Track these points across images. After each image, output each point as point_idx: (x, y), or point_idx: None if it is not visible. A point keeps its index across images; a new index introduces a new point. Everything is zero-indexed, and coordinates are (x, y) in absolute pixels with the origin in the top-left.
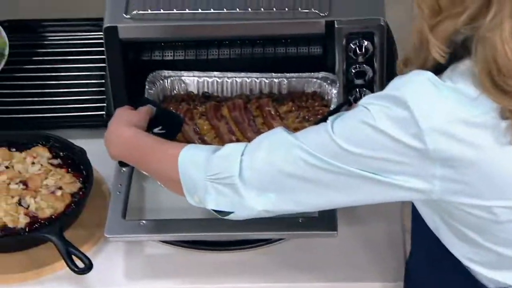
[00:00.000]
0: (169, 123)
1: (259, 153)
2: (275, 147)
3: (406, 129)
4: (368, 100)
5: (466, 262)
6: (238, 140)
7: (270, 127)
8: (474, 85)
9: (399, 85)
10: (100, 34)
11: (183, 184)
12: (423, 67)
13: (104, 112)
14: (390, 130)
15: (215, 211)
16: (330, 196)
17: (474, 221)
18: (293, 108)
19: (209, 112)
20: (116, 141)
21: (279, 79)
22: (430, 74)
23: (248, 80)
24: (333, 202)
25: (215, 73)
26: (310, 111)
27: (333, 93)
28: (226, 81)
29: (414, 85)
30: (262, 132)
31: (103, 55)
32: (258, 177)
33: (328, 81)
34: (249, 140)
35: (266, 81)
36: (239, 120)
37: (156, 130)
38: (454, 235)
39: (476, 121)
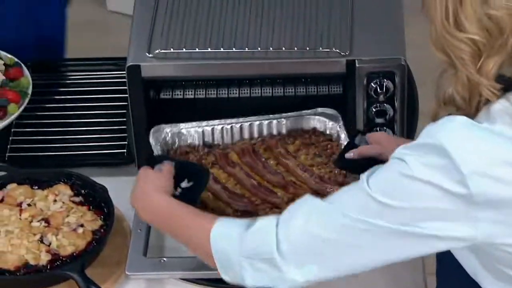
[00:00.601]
0: (194, 174)
1: (295, 223)
2: (310, 215)
3: (448, 176)
4: (403, 151)
5: None
6: (259, 184)
7: (285, 166)
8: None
9: (433, 133)
10: (121, 73)
11: (216, 260)
12: (473, 114)
13: (125, 150)
14: (431, 178)
15: None
16: (372, 257)
17: None
18: (301, 146)
19: (219, 161)
20: (148, 207)
21: (278, 120)
22: (464, 118)
23: (247, 124)
24: (375, 262)
25: (213, 121)
26: (318, 147)
27: (333, 127)
28: (226, 128)
29: (449, 131)
30: (279, 173)
31: (125, 93)
32: (296, 249)
33: (327, 116)
34: (269, 182)
35: (265, 122)
36: (252, 164)
37: (184, 184)
38: (493, 275)
39: None
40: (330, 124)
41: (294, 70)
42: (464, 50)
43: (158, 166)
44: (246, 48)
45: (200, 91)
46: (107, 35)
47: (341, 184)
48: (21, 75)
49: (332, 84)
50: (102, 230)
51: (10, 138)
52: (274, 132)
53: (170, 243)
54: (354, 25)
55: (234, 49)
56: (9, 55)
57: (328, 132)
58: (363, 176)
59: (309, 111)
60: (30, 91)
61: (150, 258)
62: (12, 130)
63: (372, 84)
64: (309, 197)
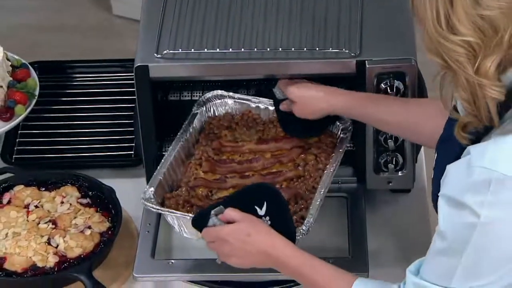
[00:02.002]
0: (257, 198)
1: None
2: None
3: None
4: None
5: None
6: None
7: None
8: None
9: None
10: (129, 74)
11: None
12: (486, 117)
13: (132, 152)
14: None
15: None
16: None
17: None
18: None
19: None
20: (269, 263)
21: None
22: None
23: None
24: None
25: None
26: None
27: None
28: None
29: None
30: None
31: (132, 95)
32: None
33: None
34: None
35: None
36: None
37: (260, 212)
38: None
39: None
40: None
41: (303, 71)
42: (460, 53)
43: (213, 219)
44: (255, 49)
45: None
46: (113, 40)
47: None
48: (28, 76)
49: (341, 85)
50: (109, 232)
51: (17, 140)
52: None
53: (178, 244)
54: (364, 25)
55: (242, 49)
56: (16, 56)
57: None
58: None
59: None
60: (37, 92)
61: (158, 260)
62: (19, 132)
63: (382, 85)
64: None
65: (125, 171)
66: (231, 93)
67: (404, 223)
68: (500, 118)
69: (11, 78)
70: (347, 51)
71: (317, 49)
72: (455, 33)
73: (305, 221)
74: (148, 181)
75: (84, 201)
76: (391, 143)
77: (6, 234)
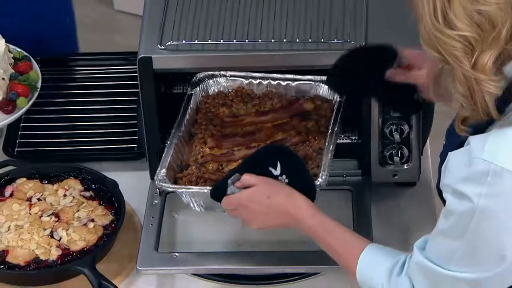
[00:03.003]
0: (270, 159)
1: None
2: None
3: None
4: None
5: None
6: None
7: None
8: None
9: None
10: (132, 67)
11: (361, 285)
12: (484, 111)
13: (135, 145)
14: None
15: None
16: None
17: None
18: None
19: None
20: (286, 223)
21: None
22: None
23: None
24: None
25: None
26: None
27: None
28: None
29: None
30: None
31: (135, 88)
32: None
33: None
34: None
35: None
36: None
37: (275, 173)
38: None
39: None
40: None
41: (308, 62)
42: (456, 47)
43: (231, 188)
44: (259, 40)
45: None
46: (114, 35)
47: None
48: (30, 68)
49: None
50: (113, 225)
51: (19, 132)
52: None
53: (181, 237)
54: (369, 16)
55: (247, 40)
56: (18, 49)
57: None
58: None
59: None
60: (39, 85)
61: (162, 253)
62: (21, 124)
63: None
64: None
65: (128, 164)
66: (222, 72)
67: (409, 216)
68: (501, 111)
69: (13, 71)
70: (352, 42)
71: (322, 40)
72: (452, 27)
73: (320, 175)
74: (151, 173)
75: (87, 194)
76: (396, 136)
77: (9, 227)
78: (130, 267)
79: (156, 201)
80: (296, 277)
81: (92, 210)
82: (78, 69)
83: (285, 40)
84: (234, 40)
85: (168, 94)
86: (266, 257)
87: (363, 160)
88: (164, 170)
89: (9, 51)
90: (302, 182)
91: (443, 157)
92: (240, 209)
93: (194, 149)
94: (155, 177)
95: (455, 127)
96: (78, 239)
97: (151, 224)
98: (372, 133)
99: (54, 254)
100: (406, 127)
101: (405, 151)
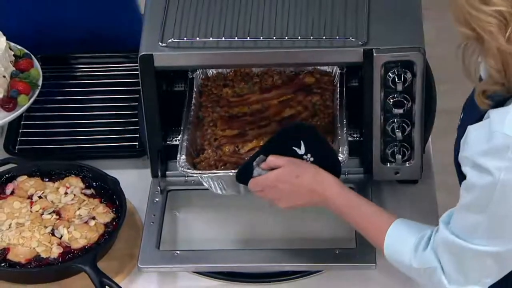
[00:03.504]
0: (293, 139)
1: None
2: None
3: None
4: None
5: None
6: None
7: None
8: None
9: None
10: (133, 65)
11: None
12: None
13: (137, 143)
14: None
15: None
16: None
17: None
18: None
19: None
20: (315, 202)
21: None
22: None
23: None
24: None
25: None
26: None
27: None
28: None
29: None
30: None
31: (136, 86)
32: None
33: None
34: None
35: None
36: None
37: (300, 152)
38: None
39: None
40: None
41: (310, 60)
42: (492, 23)
43: (257, 170)
44: (261, 37)
45: None
46: None
47: None
48: (31, 66)
49: (349, 74)
50: (114, 223)
51: (20, 130)
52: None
53: (183, 235)
54: (371, 13)
55: (248, 38)
56: (18, 46)
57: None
58: None
59: None
60: (40, 82)
61: (163, 251)
62: (22, 122)
63: (390, 73)
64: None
65: (130, 162)
66: None
67: (411, 214)
68: None
69: (14, 68)
70: (354, 39)
71: (324, 37)
72: (487, 3)
73: (340, 150)
74: (152, 171)
75: (88, 192)
76: (398, 133)
77: (10, 225)
78: (131, 265)
79: (157, 199)
80: (298, 275)
81: (93, 208)
82: (79, 66)
83: (286, 37)
84: (236, 38)
85: (169, 92)
86: (268, 255)
87: (365, 158)
88: (184, 157)
89: (10, 49)
90: (327, 160)
91: (460, 130)
92: (267, 190)
93: (206, 132)
94: (177, 165)
95: (475, 100)
96: (79, 237)
97: (152, 222)
98: (374, 130)
99: (55, 252)
100: (408, 125)
101: (407, 149)
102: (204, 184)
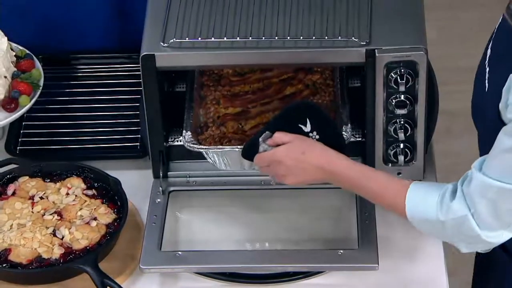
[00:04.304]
0: (300, 114)
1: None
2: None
3: None
4: None
5: None
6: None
7: None
8: None
9: None
10: (134, 66)
11: (413, 222)
12: None
13: (138, 144)
14: None
15: None
16: None
17: None
18: None
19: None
20: (325, 178)
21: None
22: None
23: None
24: None
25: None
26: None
27: None
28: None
29: None
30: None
31: (138, 86)
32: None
33: None
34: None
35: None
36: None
37: (306, 129)
38: None
39: None
40: None
41: (312, 60)
42: None
43: (263, 146)
44: (263, 37)
45: None
46: None
47: None
48: (32, 67)
49: (351, 74)
50: (115, 224)
51: (22, 131)
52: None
53: (185, 236)
54: (373, 13)
55: (250, 38)
56: (20, 47)
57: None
58: None
59: None
60: (41, 83)
61: (165, 251)
62: (24, 123)
63: (392, 74)
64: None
65: (131, 163)
66: None
67: None
68: None
69: (15, 69)
70: (356, 39)
71: (326, 37)
72: None
73: (344, 129)
74: (154, 172)
75: (90, 192)
76: (401, 134)
77: (11, 226)
78: (133, 265)
79: (159, 200)
80: (300, 276)
81: (94, 209)
82: (80, 67)
83: (288, 37)
84: (238, 38)
85: (171, 92)
86: (270, 255)
87: (367, 158)
88: (189, 133)
89: (11, 49)
90: (332, 138)
91: (494, 81)
92: (273, 165)
93: (209, 110)
94: (182, 141)
95: (500, 54)
96: (81, 237)
97: (154, 223)
98: (376, 131)
99: (57, 252)
100: (410, 125)
101: (410, 149)
102: (209, 160)
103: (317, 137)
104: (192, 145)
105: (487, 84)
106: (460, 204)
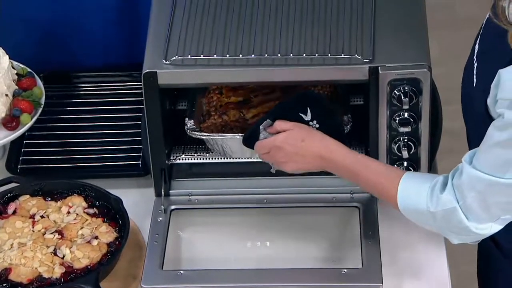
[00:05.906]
0: (301, 104)
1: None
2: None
3: None
4: None
5: None
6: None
7: None
8: None
9: None
10: (136, 84)
11: (404, 211)
12: None
13: (140, 162)
14: None
15: None
16: None
17: None
18: None
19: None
20: (324, 166)
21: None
22: None
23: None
24: None
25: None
26: None
27: None
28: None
29: None
30: None
31: (140, 104)
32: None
33: None
34: None
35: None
36: None
37: (306, 118)
38: None
39: None
40: None
41: (315, 77)
42: None
43: (264, 133)
44: (266, 54)
45: None
46: None
47: None
48: (34, 85)
49: (354, 92)
50: (117, 242)
51: (22, 149)
52: None
53: (187, 255)
54: (376, 31)
55: (253, 55)
56: (21, 65)
57: None
58: None
59: None
60: (43, 101)
61: (167, 270)
62: (25, 141)
63: (396, 91)
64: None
65: (133, 181)
66: None
67: (419, 233)
68: None
69: (16, 87)
70: (359, 57)
71: (329, 55)
72: None
73: (345, 118)
74: (156, 190)
75: (91, 211)
76: (404, 152)
77: (12, 245)
78: (134, 285)
79: (160, 218)
80: None
81: (96, 228)
82: (82, 85)
83: (291, 54)
84: (240, 55)
85: (172, 110)
86: (273, 274)
87: None
88: (192, 121)
89: (13, 67)
90: (332, 128)
91: (482, 76)
92: (273, 152)
93: (211, 100)
94: (185, 128)
95: (487, 50)
96: (82, 256)
97: (156, 241)
98: (379, 149)
99: (58, 272)
100: (414, 143)
101: (414, 167)
102: (211, 148)
103: (317, 126)
104: (194, 132)
105: (475, 79)
106: (449, 196)
